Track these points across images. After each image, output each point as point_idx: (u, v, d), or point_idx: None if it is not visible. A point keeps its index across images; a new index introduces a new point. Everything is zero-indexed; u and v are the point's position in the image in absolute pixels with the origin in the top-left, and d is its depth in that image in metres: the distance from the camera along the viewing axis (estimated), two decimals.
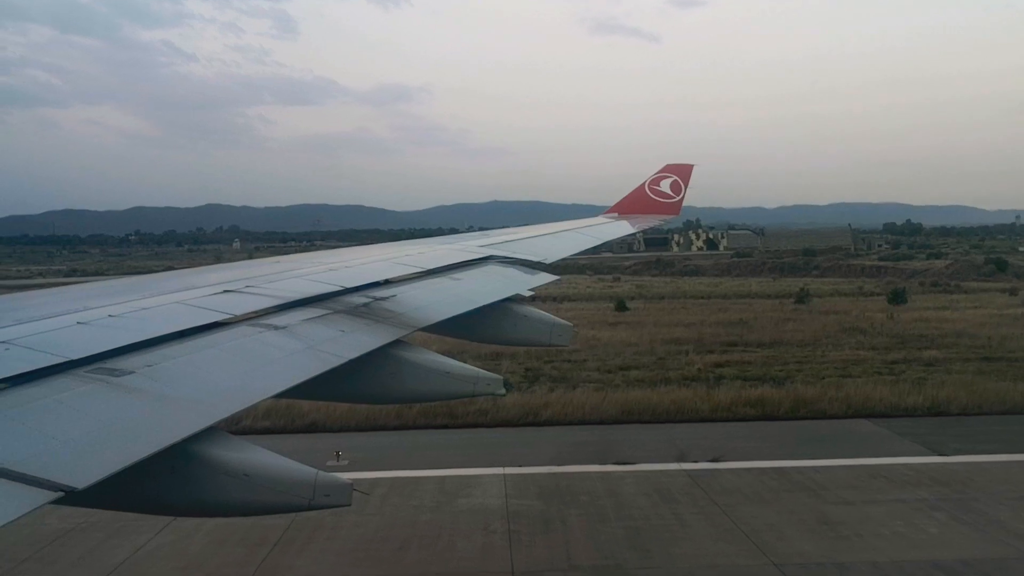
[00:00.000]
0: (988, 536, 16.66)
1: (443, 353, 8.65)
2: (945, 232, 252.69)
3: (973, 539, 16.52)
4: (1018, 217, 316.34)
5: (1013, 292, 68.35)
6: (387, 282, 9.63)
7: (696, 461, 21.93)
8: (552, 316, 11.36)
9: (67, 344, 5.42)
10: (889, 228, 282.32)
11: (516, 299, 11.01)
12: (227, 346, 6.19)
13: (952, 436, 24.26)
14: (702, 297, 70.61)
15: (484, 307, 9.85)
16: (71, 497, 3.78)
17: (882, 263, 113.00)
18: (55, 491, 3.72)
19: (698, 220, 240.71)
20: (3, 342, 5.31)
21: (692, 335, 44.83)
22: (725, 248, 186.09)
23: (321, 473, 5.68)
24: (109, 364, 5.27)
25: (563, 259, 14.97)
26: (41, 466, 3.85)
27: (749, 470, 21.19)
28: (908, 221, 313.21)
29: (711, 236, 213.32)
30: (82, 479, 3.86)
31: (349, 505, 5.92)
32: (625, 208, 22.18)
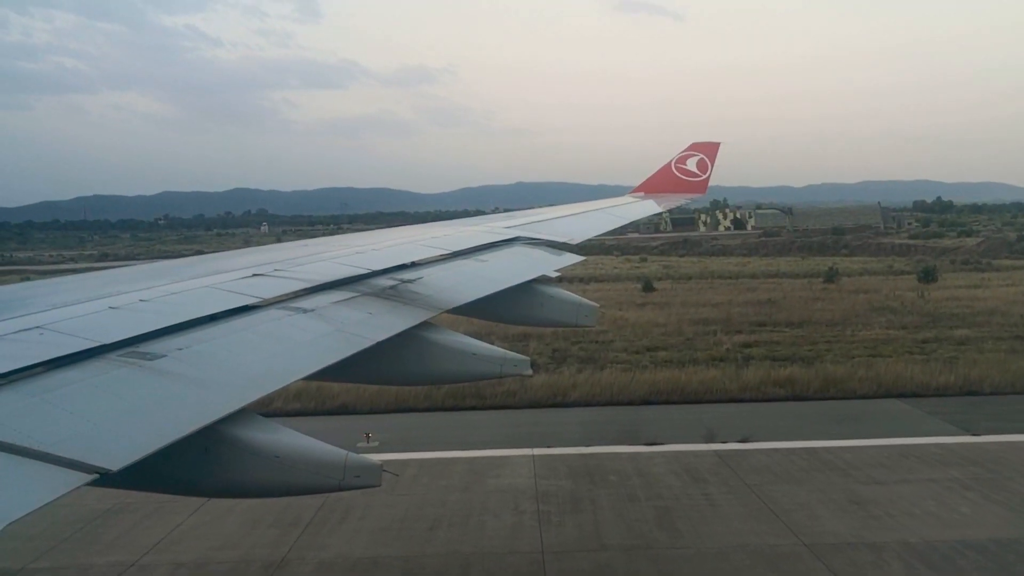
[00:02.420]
0: (1021, 515, 16.47)
1: (470, 334, 8.68)
2: (976, 209, 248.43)
3: (1005, 518, 16.35)
4: None
5: None
6: (414, 264, 9.66)
7: (725, 441, 21.86)
8: (578, 296, 11.35)
9: (100, 328, 5.49)
10: (919, 206, 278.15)
11: (542, 280, 11.01)
12: (257, 329, 6.24)
13: (984, 415, 23.99)
14: (730, 277, 70.11)
15: (510, 288, 9.85)
16: (106, 479, 3.83)
17: (912, 241, 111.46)
18: (91, 473, 3.77)
19: (725, 199, 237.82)
20: (38, 327, 5.39)
21: (720, 315, 44.57)
22: (753, 227, 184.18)
23: (351, 454, 5.72)
24: (142, 348, 5.33)
25: (589, 239, 14.92)
26: (77, 449, 3.91)
27: (778, 450, 21.09)
28: (938, 199, 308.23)
29: (738, 215, 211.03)
30: (117, 461, 3.91)
31: (379, 486, 5.97)
32: (651, 187, 22.06)
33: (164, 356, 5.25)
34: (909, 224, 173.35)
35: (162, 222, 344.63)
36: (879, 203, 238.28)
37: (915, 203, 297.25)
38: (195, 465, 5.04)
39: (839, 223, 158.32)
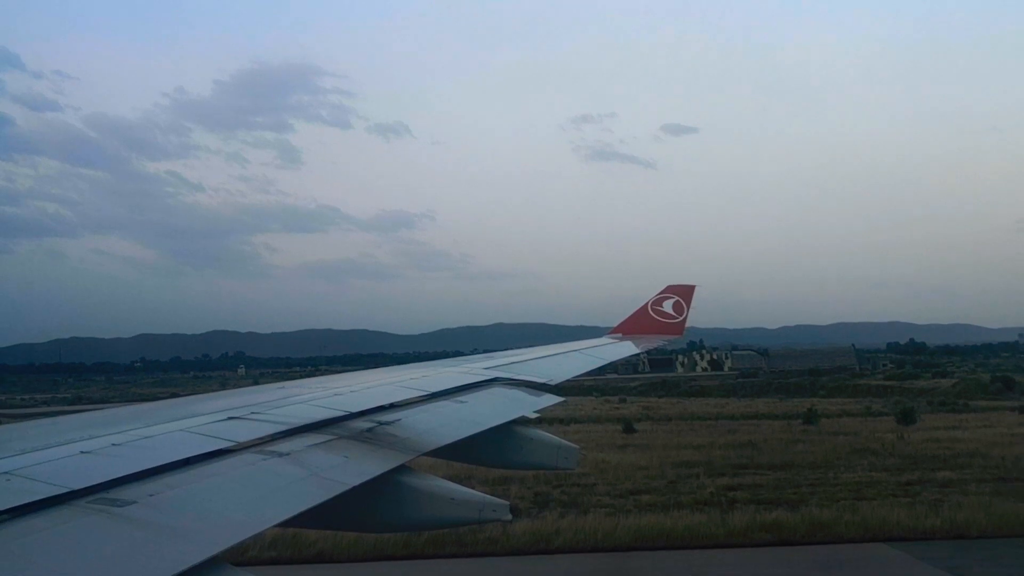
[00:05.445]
0: None
1: (449, 478, 8.50)
2: (949, 351, 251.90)
3: None
4: (1022, 335, 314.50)
5: (1023, 411, 67.49)
6: (392, 406, 9.56)
7: None
8: (557, 438, 11.22)
9: (69, 474, 5.36)
10: (893, 347, 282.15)
11: (522, 421, 10.91)
12: (231, 474, 6.10)
13: (975, 560, 23.55)
14: (709, 418, 69.87)
15: (490, 430, 9.74)
16: None
17: (888, 383, 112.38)
18: None
19: (702, 341, 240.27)
20: (4, 473, 5.25)
21: (702, 457, 44.15)
22: (730, 368, 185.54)
23: None
24: (112, 494, 5.19)
25: (568, 380, 14.92)
26: None
27: None
28: (911, 340, 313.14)
29: (715, 356, 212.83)
30: None
31: None
32: (628, 329, 22.28)
33: (135, 502, 5.11)
34: (884, 365, 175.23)
35: (138, 365, 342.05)
36: (852, 345, 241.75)
37: (888, 344, 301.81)
38: None
39: (815, 364, 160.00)
